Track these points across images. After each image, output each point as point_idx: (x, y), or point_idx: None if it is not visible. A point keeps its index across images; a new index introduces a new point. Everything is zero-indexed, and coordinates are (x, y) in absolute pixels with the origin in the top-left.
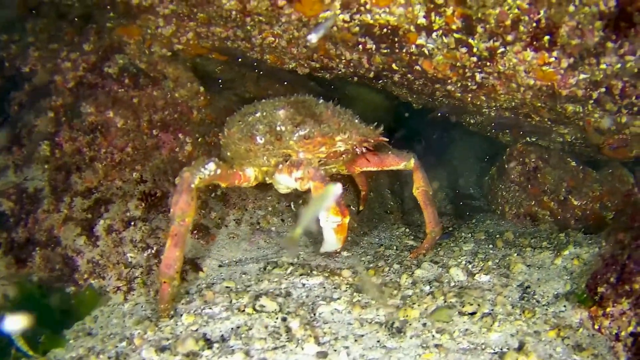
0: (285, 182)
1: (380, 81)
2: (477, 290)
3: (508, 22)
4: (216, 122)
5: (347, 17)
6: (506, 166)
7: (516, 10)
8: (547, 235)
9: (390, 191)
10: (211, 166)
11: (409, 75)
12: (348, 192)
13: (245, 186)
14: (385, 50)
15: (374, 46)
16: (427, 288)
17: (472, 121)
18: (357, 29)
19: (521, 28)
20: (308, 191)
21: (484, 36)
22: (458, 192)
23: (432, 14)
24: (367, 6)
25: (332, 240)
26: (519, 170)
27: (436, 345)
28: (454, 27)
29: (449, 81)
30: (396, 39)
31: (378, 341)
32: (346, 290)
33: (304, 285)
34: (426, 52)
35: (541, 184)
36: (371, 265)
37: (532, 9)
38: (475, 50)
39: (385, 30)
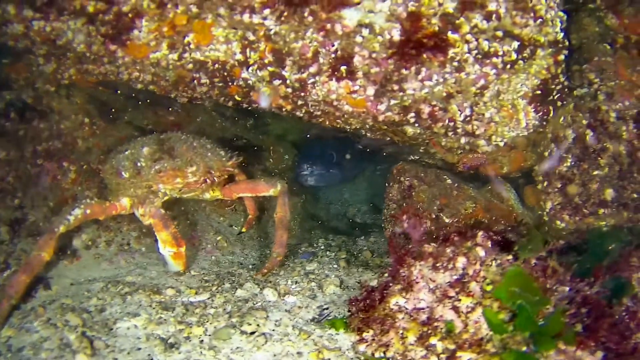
0: (137, 215)
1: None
2: (275, 310)
3: (310, 55)
4: (104, 150)
5: (175, 56)
6: (387, 185)
7: (315, 43)
8: None
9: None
10: (76, 212)
11: (253, 105)
12: (236, 214)
13: (124, 214)
14: (221, 84)
15: (208, 81)
16: (229, 307)
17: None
18: (190, 65)
19: (321, 60)
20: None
21: (293, 68)
22: (372, 204)
23: (248, 49)
24: (192, 46)
25: (172, 266)
26: (396, 188)
27: None
28: (266, 61)
29: (285, 110)
30: (226, 74)
31: (149, 354)
32: (154, 308)
33: (124, 301)
34: (251, 84)
35: (415, 202)
36: (207, 284)
37: (326, 41)
38: (288, 82)
39: (216, 65)
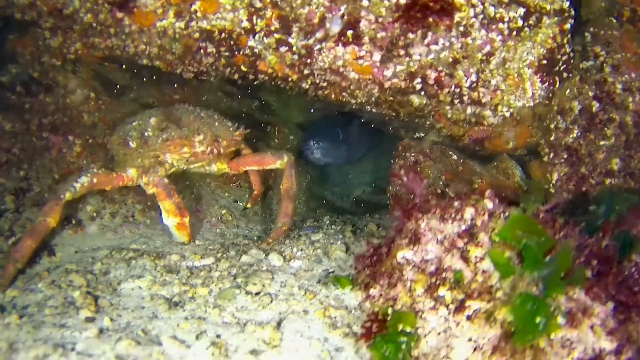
0: (141, 185)
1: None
2: (280, 273)
3: (316, 20)
4: (110, 125)
5: (182, 24)
6: (392, 161)
7: (322, 9)
8: None
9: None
10: (83, 180)
11: (260, 76)
12: (241, 190)
13: (131, 185)
14: (227, 54)
15: (215, 50)
16: (234, 271)
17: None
18: (197, 34)
19: (327, 25)
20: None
21: (300, 35)
22: (375, 185)
23: (254, 17)
24: (198, 14)
25: (176, 237)
26: (401, 164)
27: (199, 318)
28: (273, 28)
29: (291, 80)
30: (232, 42)
31: (153, 312)
32: (159, 271)
33: (128, 265)
34: (257, 52)
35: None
36: (212, 251)
37: (333, 6)
38: (294, 49)
39: (223, 34)
